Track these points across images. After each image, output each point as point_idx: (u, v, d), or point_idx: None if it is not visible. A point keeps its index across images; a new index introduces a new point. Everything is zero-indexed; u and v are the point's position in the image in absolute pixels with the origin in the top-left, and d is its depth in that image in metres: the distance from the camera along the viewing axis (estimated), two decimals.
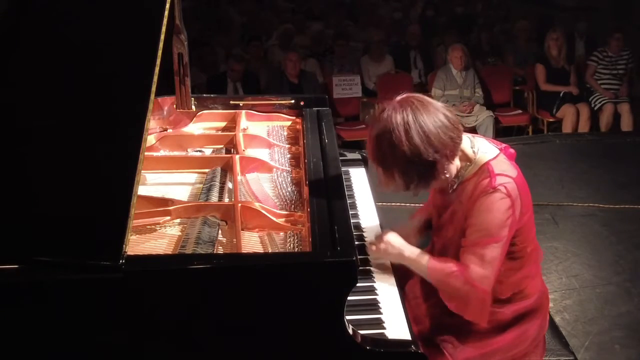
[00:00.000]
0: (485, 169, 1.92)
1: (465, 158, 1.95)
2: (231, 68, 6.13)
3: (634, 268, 3.75)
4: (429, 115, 1.83)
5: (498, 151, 1.97)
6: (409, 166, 1.84)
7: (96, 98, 1.84)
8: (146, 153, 1.99)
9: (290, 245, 1.97)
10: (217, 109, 2.88)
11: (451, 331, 2.02)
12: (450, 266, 1.91)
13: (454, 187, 1.99)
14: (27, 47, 1.96)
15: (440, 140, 1.83)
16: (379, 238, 2.09)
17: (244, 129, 2.75)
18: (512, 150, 2.05)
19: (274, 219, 2.07)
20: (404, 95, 1.89)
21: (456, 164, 1.93)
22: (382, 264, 2.15)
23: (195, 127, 2.82)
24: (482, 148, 1.96)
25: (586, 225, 4.29)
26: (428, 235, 2.28)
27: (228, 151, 2.63)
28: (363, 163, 2.95)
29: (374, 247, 2.09)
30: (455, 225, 1.99)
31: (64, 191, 1.67)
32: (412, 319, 2.03)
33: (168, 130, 2.77)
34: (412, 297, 2.18)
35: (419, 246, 2.11)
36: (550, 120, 6.65)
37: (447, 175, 1.92)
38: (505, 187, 1.86)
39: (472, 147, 1.95)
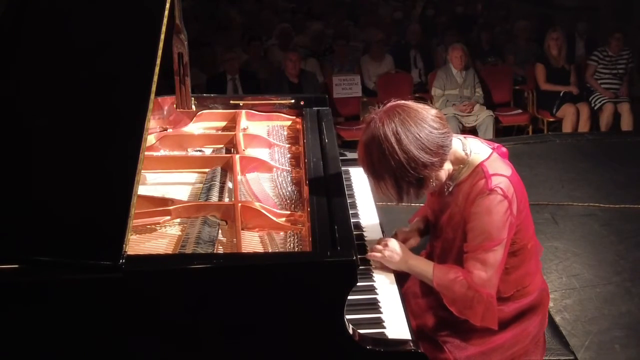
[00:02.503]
0: (479, 170, 1.92)
1: (458, 161, 1.95)
2: (227, 59, 6.14)
3: (634, 268, 3.75)
4: (417, 125, 1.83)
5: (491, 150, 1.97)
6: (399, 176, 1.84)
7: (96, 98, 1.84)
8: (146, 153, 1.99)
9: (290, 245, 1.97)
10: (217, 109, 2.88)
11: (452, 329, 2.03)
12: (455, 272, 1.92)
13: (450, 189, 2.00)
14: (28, 47, 1.96)
15: (429, 151, 1.83)
16: (382, 246, 2.09)
17: (244, 129, 2.75)
18: (504, 149, 2.04)
19: (274, 218, 2.07)
20: (390, 105, 1.89)
21: (447, 168, 1.93)
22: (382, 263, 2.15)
23: (195, 127, 2.82)
24: (474, 149, 1.96)
25: (586, 225, 4.29)
26: (426, 239, 2.28)
27: (228, 151, 2.62)
28: None
29: (377, 255, 2.09)
30: (454, 227, 1.99)
31: (64, 191, 1.67)
32: (412, 317, 2.03)
33: (168, 130, 2.77)
34: (411, 295, 2.18)
35: (419, 248, 2.11)
36: (550, 120, 6.66)
37: (435, 183, 1.92)
38: (501, 188, 1.87)
39: (464, 150, 1.95)
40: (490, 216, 1.87)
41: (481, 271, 1.88)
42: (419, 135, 1.82)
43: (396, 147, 1.81)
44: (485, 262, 1.88)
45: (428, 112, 1.87)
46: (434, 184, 1.93)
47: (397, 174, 1.84)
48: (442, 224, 2.05)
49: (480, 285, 1.88)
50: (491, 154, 1.96)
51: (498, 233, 1.87)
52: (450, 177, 1.97)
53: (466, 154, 1.94)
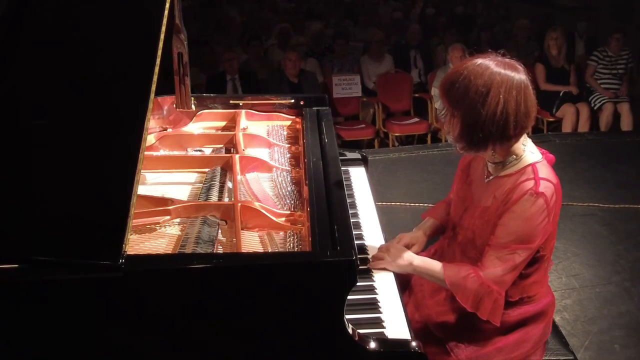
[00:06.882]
0: (529, 170, 1.88)
1: (513, 152, 1.90)
2: (226, 59, 6.14)
3: (634, 268, 3.75)
4: (526, 95, 1.81)
5: (541, 155, 1.94)
6: (477, 121, 1.80)
7: (96, 98, 1.84)
8: (146, 153, 1.99)
9: (290, 244, 1.97)
10: (217, 109, 2.88)
11: (454, 329, 2.03)
12: (466, 269, 1.91)
13: (490, 178, 1.97)
14: (27, 47, 1.96)
15: (516, 122, 1.80)
16: (384, 251, 2.09)
17: (244, 129, 2.75)
18: (551, 156, 2.01)
19: (273, 218, 2.07)
20: (514, 61, 1.86)
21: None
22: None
23: (195, 127, 2.82)
24: (530, 147, 1.93)
25: (586, 225, 4.29)
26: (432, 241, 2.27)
27: (228, 151, 2.63)
28: (363, 162, 2.95)
29: (381, 262, 2.08)
30: (485, 219, 1.94)
31: (64, 191, 1.67)
32: (416, 313, 2.03)
33: (168, 130, 2.78)
34: (417, 289, 2.17)
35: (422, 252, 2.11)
36: (550, 120, 6.65)
37: (494, 154, 1.89)
38: (546, 196, 1.84)
39: (523, 144, 1.91)
40: (529, 221, 1.84)
41: (497, 267, 1.86)
42: (521, 104, 1.79)
43: (502, 97, 1.77)
44: (505, 261, 1.86)
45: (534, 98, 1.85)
46: (492, 155, 1.89)
47: (478, 118, 1.79)
48: (470, 215, 2.01)
49: (491, 281, 1.86)
50: (542, 159, 1.93)
51: (530, 238, 1.85)
52: (496, 165, 1.94)
53: (523, 148, 1.91)
